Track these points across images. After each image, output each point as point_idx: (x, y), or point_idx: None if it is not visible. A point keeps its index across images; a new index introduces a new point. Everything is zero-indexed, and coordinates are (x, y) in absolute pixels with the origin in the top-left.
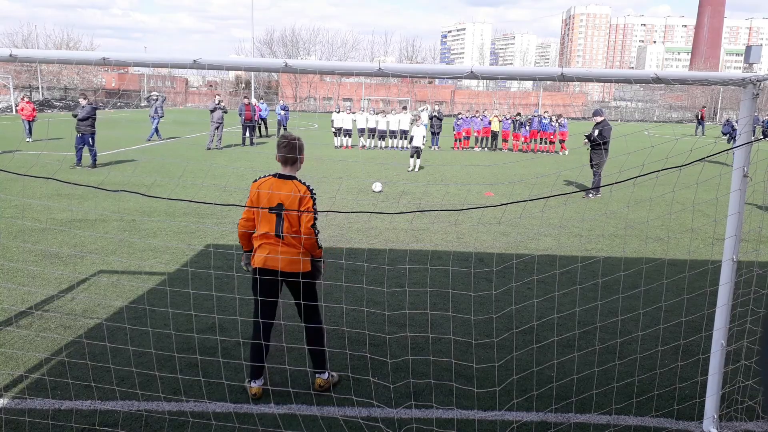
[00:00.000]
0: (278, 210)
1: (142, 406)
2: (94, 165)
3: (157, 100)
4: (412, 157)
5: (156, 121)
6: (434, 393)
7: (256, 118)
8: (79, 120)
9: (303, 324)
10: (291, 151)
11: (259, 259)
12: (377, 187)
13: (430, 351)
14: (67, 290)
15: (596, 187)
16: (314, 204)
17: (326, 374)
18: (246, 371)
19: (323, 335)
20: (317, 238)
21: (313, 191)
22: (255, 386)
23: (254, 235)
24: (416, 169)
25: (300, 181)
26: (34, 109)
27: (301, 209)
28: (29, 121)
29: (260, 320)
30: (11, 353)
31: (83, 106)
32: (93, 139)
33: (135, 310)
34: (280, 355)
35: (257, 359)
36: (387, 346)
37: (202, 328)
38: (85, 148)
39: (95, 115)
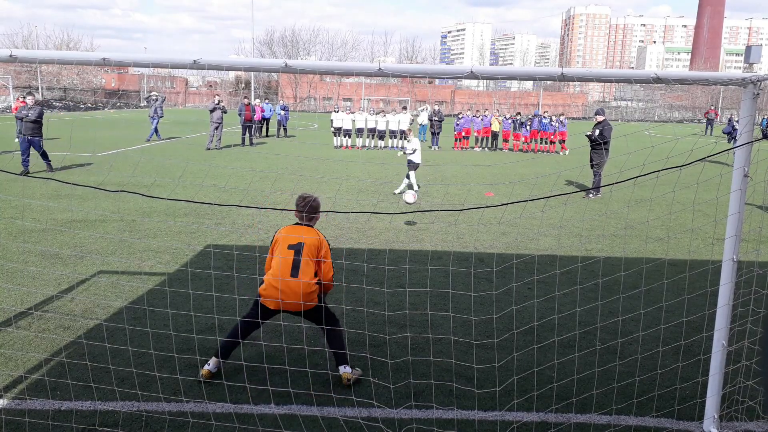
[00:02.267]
0: (298, 246)
1: (142, 406)
2: (51, 168)
3: (156, 100)
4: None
5: (155, 121)
6: (434, 393)
7: (257, 119)
8: (29, 122)
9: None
10: (310, 211)
11: (271, 302)
12: (409, 197)
13: (430, 351)
14: (66, 291)
15: (596, 187)
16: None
17: (348, 368)
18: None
19: (341, 333)
20: (332, 276)
21: (328, 241)
22: (207, 368)
23: (270, 271)
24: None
25: (318, 231)
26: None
27: (320, 255)
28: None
29: (246, 320)
30: (11, 354)
31: (31, 107)
32: (41, 142)
33: (135, 310)
34: (280, 356)
35: (226, 349)
36: (387, 347)
37: (202, 328)
38: (33, 153)
39: (42, 117)
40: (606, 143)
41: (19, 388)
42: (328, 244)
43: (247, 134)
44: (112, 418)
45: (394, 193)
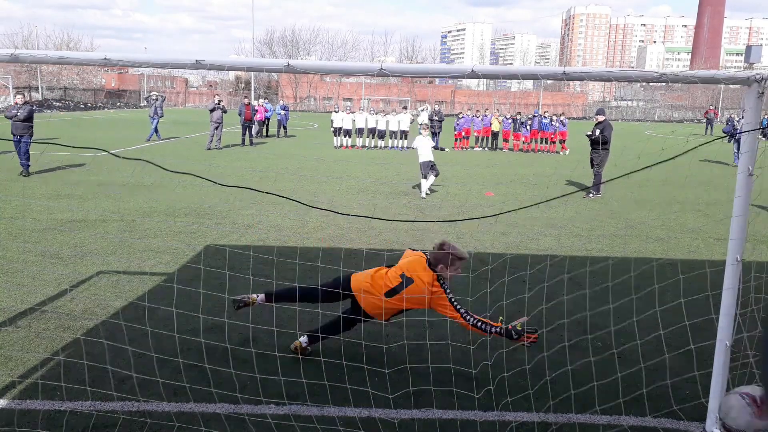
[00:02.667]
0: (407, 280)
1: (142, 407)
2: (27, 172)
3: (156, 100)
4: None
5: (155, 121)
6: (434, 394)
7: (259, 119)
8: (19, 122)
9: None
10: (436, 261)
11: (364, 300)
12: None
13: (429, 352)
14: (66, 291)
15: (597, 186)
16: (449, 297)
17: (306, 342)
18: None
19: (337, 327)
20: (472, 322)
21: (446, 289)
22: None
23: (373, 272)
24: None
25: (439, 278)
26: None
27: (433, 300)
28: None
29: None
30: (10, 354)
31: (21, 106)
32: (29, 143)
33: (135, 310)
34: (280, 356)
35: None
36: (388, 347)
37: (203, 328)
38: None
39: (33, 117)
40: (606, 143)
41: (19, 388)
42: (444, 291)
43: (247, 134)
44: (112, 419)
45: (422, 198)
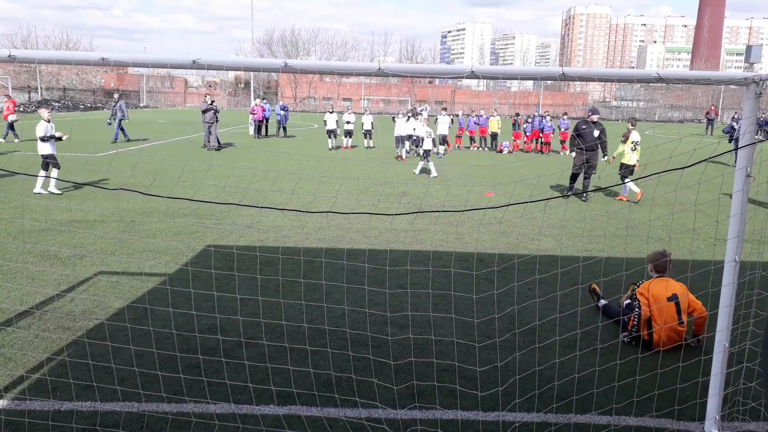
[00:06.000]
0: (675, 299)
1: (142, 407)
2: None
3: (117, 101)
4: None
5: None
6: (437, 394)
7: (258, 119)
8: None
9: None
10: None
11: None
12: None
13: (432, 352)
14: (66, 291)
15: (586, 191)
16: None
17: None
18: None
19: None
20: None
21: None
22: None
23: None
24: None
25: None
26: (13, 107)
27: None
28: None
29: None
30: (11, 354)
31: None
32: None
33: (135, 310)
34: (282, 356)
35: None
36: (390, 347)
37: (202, 328)
38: None
39: None
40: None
41: (19, 388)
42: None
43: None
44: (113, 419)
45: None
